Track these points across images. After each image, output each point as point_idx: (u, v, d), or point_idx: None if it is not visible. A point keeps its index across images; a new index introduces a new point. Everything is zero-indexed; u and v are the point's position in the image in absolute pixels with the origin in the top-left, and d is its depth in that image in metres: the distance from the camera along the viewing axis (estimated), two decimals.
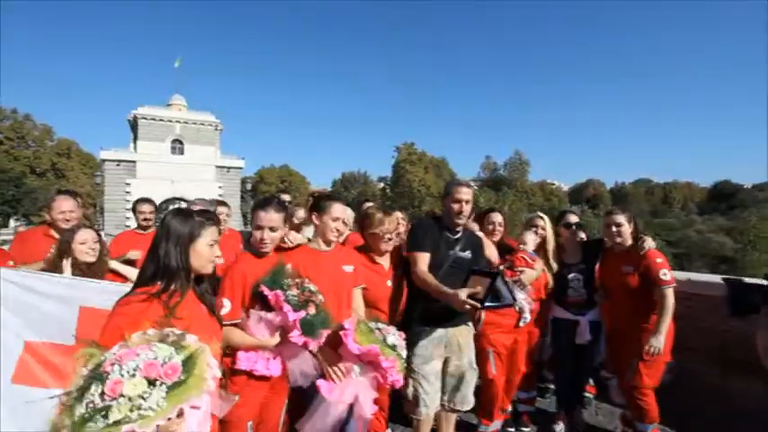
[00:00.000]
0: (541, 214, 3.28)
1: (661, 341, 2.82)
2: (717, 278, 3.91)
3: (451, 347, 2.70)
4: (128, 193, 35.43)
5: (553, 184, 73.80)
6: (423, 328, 2.65)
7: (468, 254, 2.72)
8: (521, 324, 3.04)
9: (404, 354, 2.15)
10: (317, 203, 2.39)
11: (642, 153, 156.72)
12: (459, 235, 2.73)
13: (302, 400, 2.20)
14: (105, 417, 1.18)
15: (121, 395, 1.20)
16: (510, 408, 3.33)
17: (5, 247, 3.16)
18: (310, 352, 2.10)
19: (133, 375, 1.23)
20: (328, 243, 2.40)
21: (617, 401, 3.70)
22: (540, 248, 3.23)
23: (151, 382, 1.25)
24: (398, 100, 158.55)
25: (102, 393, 1.21)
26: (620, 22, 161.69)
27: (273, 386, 2.14)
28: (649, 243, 2.98)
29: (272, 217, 2.13)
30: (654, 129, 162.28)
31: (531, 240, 3.08)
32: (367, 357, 2.07)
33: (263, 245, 2.15)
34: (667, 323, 2.85)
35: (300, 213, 3.66)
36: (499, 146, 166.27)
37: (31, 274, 2.35)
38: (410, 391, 2.62)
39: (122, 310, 1.52)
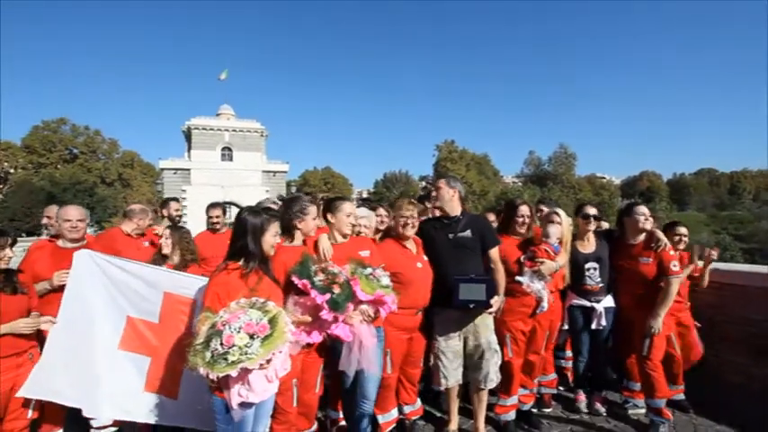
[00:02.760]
0: (559, 210, 3.45)
1: (659, 323, 3.18)
2: (748, 267, 3.87)
3: (468, 328, 3.01)
4: (184, 199, 37.88)
5: (603, 178, 70.29)
6: (442, 308, 2.97)
7: (468, 233, 3.00)
8: (537, 312, 3.22)
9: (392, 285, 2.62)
10: (328, 206, 2.84)
11: (704, 142, 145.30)
12: (455, 218, 3.04)
13: (333, 359, 2.67)
14: (225, 359, 1.81)
15: (233, 345, 1.82)
16: (532, 402, 3.48)
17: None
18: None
19: (239, 332, 1.85)
20: (344, 236, 2.82)
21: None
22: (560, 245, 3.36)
23: (251, 336, 1.87)
24: (439, 98, 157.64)
25: (222, 343, 1.82)
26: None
27: (310, 352, 2.59)
28: (660, 236, 3.31)
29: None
30: (717, 116, 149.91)
31: (553, 233, 3.23)
32: (373, 302, 2.52)
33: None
34: (667, 308, 3.21)
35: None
36: (544, 140, 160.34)
37: (126, 260, 2.88)
38: (432, 364, 3.05)
39: (216, 281, 2.17)
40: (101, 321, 2.73)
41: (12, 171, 48.53)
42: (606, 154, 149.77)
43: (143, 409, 2.70)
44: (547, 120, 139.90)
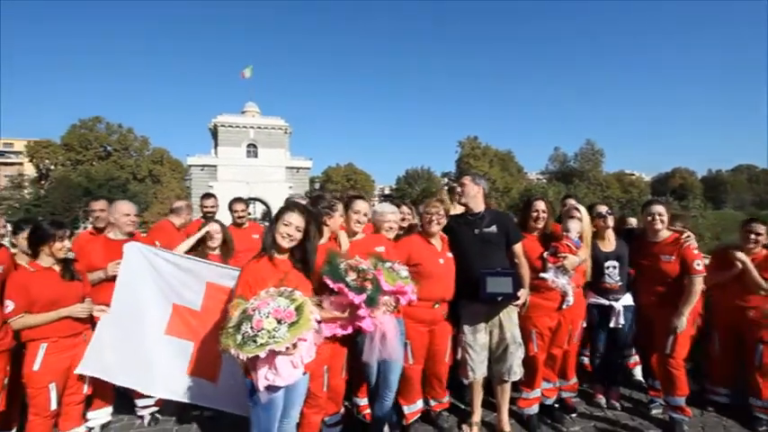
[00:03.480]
0: (578, 205, 3.48)
1: (684, 322, 3.13)
2: None
3: (493, 321, 3.09)
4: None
5: (632, 175, 67.97)
6: (469, 302, 3.06)
7: (494, 228, 3.07)
8: (563, 306, 3.25)
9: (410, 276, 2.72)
10: (346, 204, 2.97)
11: (742, 137, 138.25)
12: (479, 214, 3.11)
13: (356, 349, 2.81)
14: (254, 341, 1.97)
15: (262, 329, 1.97)
16: (555, 396, 3.50)
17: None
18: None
19: (267, 317, 2.00)
20: (357, 233, 2.97)
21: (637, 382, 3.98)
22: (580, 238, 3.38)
23: (279, 321, 2.01)
24: (462, 95, 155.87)
25: (252, 327, 1.98)
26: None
27: (337, 342, 2.72)
28: (690, 235, 3.27)
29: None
30: (756, 111, 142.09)
31: (574, 228, 3.25)
32: (395, 292, 2.61)
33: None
34: (692, 306, 3.15)
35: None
36: (569, 137, 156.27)
37: (172, 252, 3.09)
38: (459, 357, 3.15)
39: (248, 269, 2.34)
40: (149, 308, 2.96)
41: (52, 168, 51.04)
42: (636, 150, 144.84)
43: (186, 390, 2.92)
44: (573, 116, 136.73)
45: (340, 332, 2.58)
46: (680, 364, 3.23)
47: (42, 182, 49.82)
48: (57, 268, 2.76)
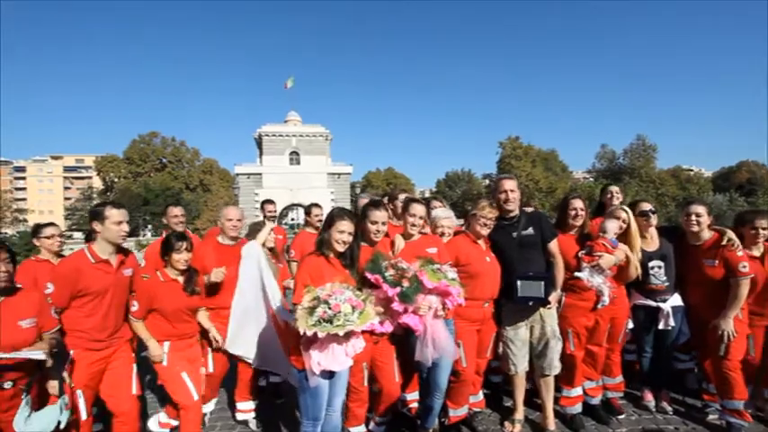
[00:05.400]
0: (625, 207, 3.40)
1: (730, 324, 3.06)
2: None
3: (534, 317, 3.14)
4: (256, 202, 40.49)
5: (691, 170, 63.37)
6: (508, 301, 3.10)
7: (531, 230, 3.10)
8: (599, 306, 3.20)
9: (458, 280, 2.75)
10: (404, 207, 3.06)
11: None
12: (515, 218, 3.14)
13: (407, 348, 2.87)
14: (330, 322, 2.23)
15: (340, 311, 2.24)
16: (600, 395, 3.46)
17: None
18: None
19: (344, 303, 2.27)
20: (414, 234, 3.03)
21: (692, 387, 3.78)
22: (625, 240, 3.30)
23: (353, 308, 2.28)
24: (502, 94, 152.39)
25: (330, 309, 2.23)
26: None
27: (382, 340, 2.84)
28: (731, 236, 3.15)
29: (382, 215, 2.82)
30: None
31: (611, 228, 3.20)
32: (438, 290, 2.67)
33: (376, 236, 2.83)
34: (737, 309, 3.07)
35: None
36: (618, 133, 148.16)
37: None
38: (501, 351, 3.23)
39: (308, 263, 2.58)
40: (265, 299, 3.28)
41: (116, 180, 55.47)
42: (696, 144, 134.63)
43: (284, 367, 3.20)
44: (622, 111, 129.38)
45: (378, 328, 2.65)
46: (736, 366, 3.09)
47: (108, 193, 54.27)
48: (181, 280, 2.97)
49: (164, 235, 3.37)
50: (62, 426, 2.38)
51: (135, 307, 2.86)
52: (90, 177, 61.42)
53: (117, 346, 2.82)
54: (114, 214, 2.70)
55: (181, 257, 2.91)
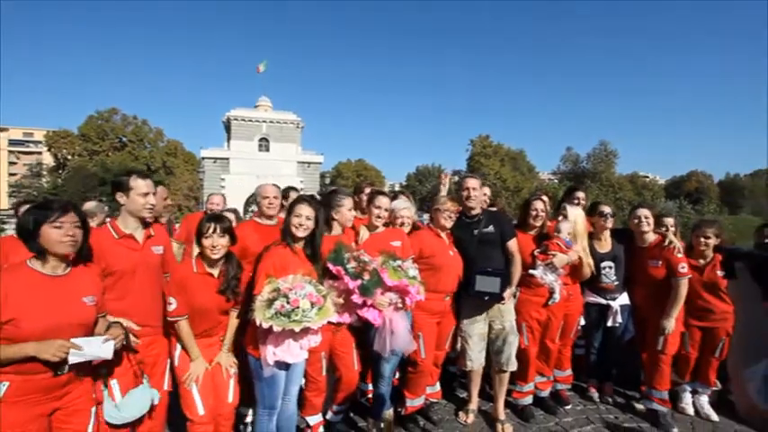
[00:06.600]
0: (571, 207, 3.57)
1: (672, 323, 3.29)
2: None
3: (493, 313, 3.23)
4: (222, 187, 39.30)
5: (647, 177, 66.97)
6: (467, 296, 3.18)
7: (491, 228, 3.21)
8: (549, 303, 3.36)
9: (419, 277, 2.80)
10: (369, 198, 3.13)
11: (762, 141, 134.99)
12: (477, 216, 3.24)
13: (366, 338, 2.92)
14: (287, 317, 2.19)
15: (298, 306, 2.19)
16: (549, 388, 3.63)
17: None
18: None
19: (303, 298, 2.22)
20: (378, 226, 3.08)
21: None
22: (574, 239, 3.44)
23: (312, 304, 2.24)
24: (474, 92, 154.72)
25: (289, 303, 2.19)
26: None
27: (341, 330, 2.86)
28: (672, 238, 3.38)
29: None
30: None
31: (564, 229, 3.36)
32: (398, 288, 2.71)
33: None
34: (678, 308, 3.30)
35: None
36: (583, 137, 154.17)
37: None
38: (458, 347, 3.30)
39: (273, 253, 2.49)
40: None
41: (69, 158, 52.14)
42: (651, 152, 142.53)
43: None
44: (587, 116, 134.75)
45: (335, 319, 2.61)
46: (668, 360, 3.36)
47: (60, 171, 50.99)
48: (215, 274, 2.53)
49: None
50: (155, 402, 2.35)
51: (173, 305, 2.39)
52: (39, 153, 57.29)
53: (154, 338, 2.46)
54: (140, 185, 2.36)
55: (209, 243, 2.45)
